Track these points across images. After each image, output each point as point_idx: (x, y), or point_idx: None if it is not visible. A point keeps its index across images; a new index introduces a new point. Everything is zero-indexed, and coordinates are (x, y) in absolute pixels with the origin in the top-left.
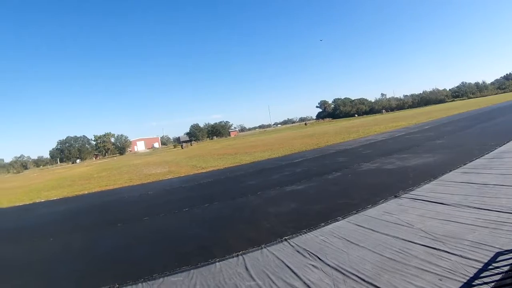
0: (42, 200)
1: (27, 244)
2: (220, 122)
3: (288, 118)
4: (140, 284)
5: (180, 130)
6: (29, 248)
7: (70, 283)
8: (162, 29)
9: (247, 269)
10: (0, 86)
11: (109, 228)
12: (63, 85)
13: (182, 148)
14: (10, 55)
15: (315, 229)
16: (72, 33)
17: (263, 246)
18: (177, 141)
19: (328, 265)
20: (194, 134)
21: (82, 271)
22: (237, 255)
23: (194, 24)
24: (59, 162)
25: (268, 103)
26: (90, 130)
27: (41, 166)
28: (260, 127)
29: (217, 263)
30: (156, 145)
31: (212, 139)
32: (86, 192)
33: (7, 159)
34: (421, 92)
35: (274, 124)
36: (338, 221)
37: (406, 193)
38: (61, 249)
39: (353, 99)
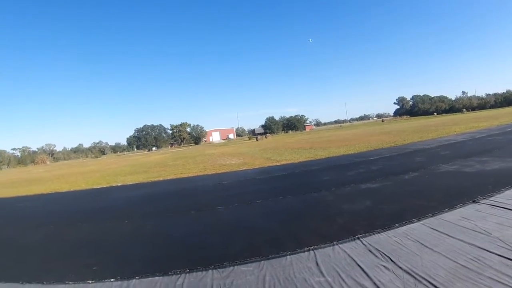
0: (119, 185)
1: (103, 225)
2: (296, 115)
3: (364, 114)
4: (210, 271)
5: (255, 122)
6: (104, 228)
7: (142, 265)
8: (240, 23)
9: (317, 264)
10: (82, 76)
11: (183, 215)
12: (142, 75)
13: (256, 140)
14: (90, 42)
15: (389, 230)
16: (158, 27)
17: (335, 242)
18: (252, 133)
19: (400, 267)
20: (269, 126)
21: (153, 253)
22: (308, 250)
23: (272, 18)
24: (135, 149)
25: (344, 98)
26: (167, 119)
27: (118, 152)
28: (335, 122)
29: (288, 256)
30: (231, 136)
31: (287, 132)
32: (161, 179)
33: (86, 144)
34: (505, 91)
35: (350, 120)
36: (412, 223)
37: (485, 198)
38: (134, 232)
39: (432, 96)
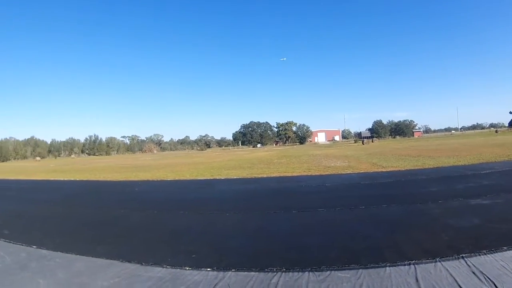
0: (222, 178)
1: (204, 215)
2: (405, 120)
3: (477, 123)
4: (306, 273)
5: (362, 124)
6: (206, 219)
7: (239, 258)
8: (354, 19)
9: (417, 280)
10: (193, 71)
11: (283, 213)
12: (250, 71)
13: (362, 143)
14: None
15: (496, 252)
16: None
17: (437, 259)
18: (358, 136)
19: None
20: (376, 130)
21: (252, 248)
22: (409, 264)
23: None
24: (240, 145)
25: (456, 103)
26: (273, 117)
27: (223, 147)
28: (446, 129)
29: (387, 268)
30: (337, 138)
31: (394, 137)
32: (264, 176)
33: (193, 137)
34: None
35: (461, 128)
36: None
37: None
38: (235, 225)
39: None
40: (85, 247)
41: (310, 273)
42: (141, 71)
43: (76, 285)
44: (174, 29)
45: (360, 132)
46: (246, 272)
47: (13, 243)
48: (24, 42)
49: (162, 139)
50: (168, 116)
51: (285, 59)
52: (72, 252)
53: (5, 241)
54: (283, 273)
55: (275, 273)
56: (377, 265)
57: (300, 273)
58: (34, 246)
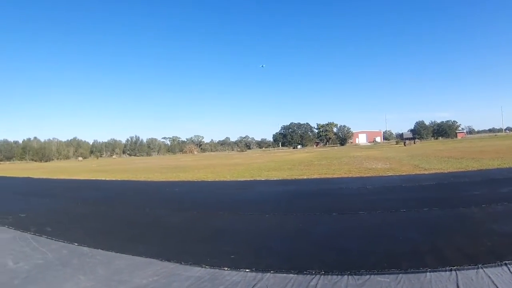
0: (262, 179)
1: (244, 216)
2: (447, 121)
3: None
4: (345, 276)
5: (404, 125)
6: (246, 220)
7: (277, 259)
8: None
9: (458, 287)
10: (232, 72)
11: (324, 215)
12: (290, 73)
13: (404, 145)
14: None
15: None
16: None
17: (479, 266)
18: (400, 137)
19: None
20: (418, 131)
21: (290, 250)
22: (450, 270)
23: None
24: (280, 146)
25: (500, 103)
26: (314, 118)
27: (263, 148)
28: (490, 130)
29: (427, 273)
30: (378, 139)
31: (436, 139)
32: (305, 177)
33: (233, 138)
34: None
35: (506, 129)
36: None
37: None
38: (274, 227)
39: None
40: (126, 246)
41: (349, 276)
42: (182, 72)
43: (116, 282)
44: (215, 30)
45: (402, 133)
46: (284, 274)
47: (55, 240)
48: (83, 46)
49: (203, 140)
50: (208, 117)
51: (264, 66)
52: (112, 250)
53: (47, 238)
54: (322, 276)
55: (313, 276)
56: (417, 270)
57: (339, 277)
58: (76, 244)
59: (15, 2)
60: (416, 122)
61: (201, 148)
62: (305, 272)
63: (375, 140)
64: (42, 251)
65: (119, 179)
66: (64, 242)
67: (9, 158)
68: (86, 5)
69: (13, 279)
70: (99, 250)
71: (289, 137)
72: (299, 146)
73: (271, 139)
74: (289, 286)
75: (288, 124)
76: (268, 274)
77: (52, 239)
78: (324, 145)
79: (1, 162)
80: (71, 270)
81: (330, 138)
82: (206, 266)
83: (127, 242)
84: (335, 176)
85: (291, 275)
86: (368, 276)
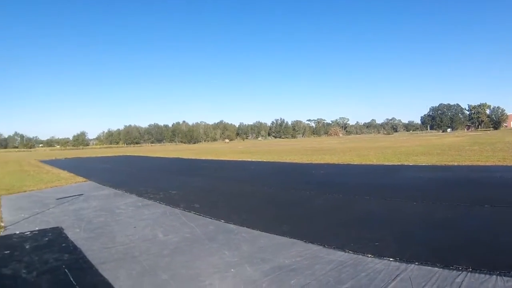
0: (410, 164)
1: (390, 202)
2: None
3: None
4: (494, 276)
5: None
6: (392, 207)
7: (422, 250)
8: None
9: None
10: (380, 53)
11: (474, 207)
12: (438, 49)
13: None
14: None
15: None
16: None
17: None
18: None
19: None
20: None
21: (436, 242)
22: None
23: None
24: (428, 129)
25: None
26: (465, 99)
27: (410, 131)
28: None
29: None
30: None
31: None
32: (455, 164)
33: (379, 120)
34: None
35: None
36: None
37: None
38: (420, 215)
39: None
40: (270, 225)
41: (499, 277)
42: (333, 53)
43: (259, 260)
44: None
45: None
46: (429, 267)
47: (203, 216)
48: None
49: (348, 122)
50: (354, 99)
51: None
52: (257, 229)
53: (195, 213)
54: (469, 273)
55: (460, 272)
56: None
57: (488, 276)
58: (223, 220)
59: None
60: None
61: (346, 131)
62: (451, 267)
63: None
64: (190, 226)
65: (264, 160)
66: (211, 218)
67: (159, 141)
68: None
69: (162, 250)
70: (244, 227)
71: (438, 119)
72: (448, 130)
73: (419, 122)
74: (433, 280)
75: (437, 106)
76: (412, 265)
77: (200, 215)
78: (476, 128)
79: (153, 144)
80: (217, 245)
81: (482, 121)
82: (349, 251)
83: (272, 221)
84: (488, 163)
85: (436, 268)
86: None
